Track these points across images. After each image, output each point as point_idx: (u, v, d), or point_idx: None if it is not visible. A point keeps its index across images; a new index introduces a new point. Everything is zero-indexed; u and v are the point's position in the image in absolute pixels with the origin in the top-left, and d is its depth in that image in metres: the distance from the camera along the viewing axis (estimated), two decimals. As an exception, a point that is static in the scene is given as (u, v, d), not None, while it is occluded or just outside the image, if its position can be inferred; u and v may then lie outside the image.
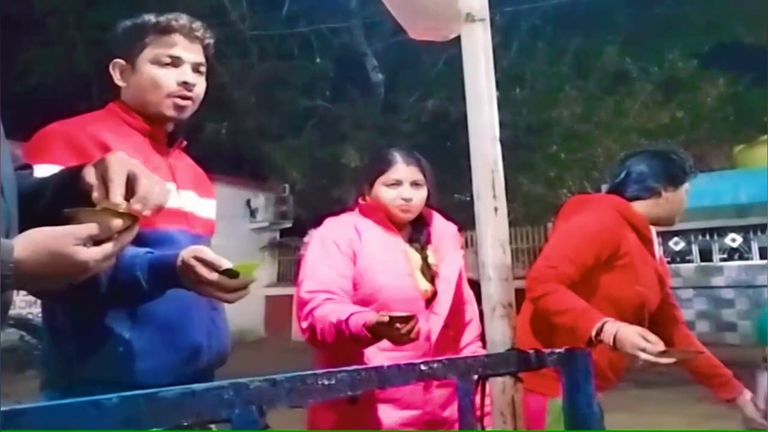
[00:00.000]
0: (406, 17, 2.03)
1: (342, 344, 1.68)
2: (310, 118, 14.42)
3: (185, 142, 1.69)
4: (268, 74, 14.15)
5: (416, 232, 2.03)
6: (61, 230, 0.96)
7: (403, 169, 1.98)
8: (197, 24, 1.63)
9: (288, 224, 16.58)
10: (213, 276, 1.25)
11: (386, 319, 1.55)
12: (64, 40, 13.33)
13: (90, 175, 1.09)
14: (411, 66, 14.27)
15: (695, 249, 12.22)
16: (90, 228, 0.97)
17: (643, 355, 1.73)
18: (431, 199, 2.05)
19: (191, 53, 1.61)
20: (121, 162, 1.10)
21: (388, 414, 1.82)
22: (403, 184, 1.97)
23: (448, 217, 2.13)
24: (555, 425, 2.02)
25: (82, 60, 12.85)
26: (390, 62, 14.64)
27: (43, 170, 1.34)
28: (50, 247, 0.94)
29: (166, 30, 1.58)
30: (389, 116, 14.14)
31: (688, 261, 12.12)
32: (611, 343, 1.77)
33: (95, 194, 1.07)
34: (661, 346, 1.74)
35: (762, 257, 11.61)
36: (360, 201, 2.05)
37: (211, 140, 13.01)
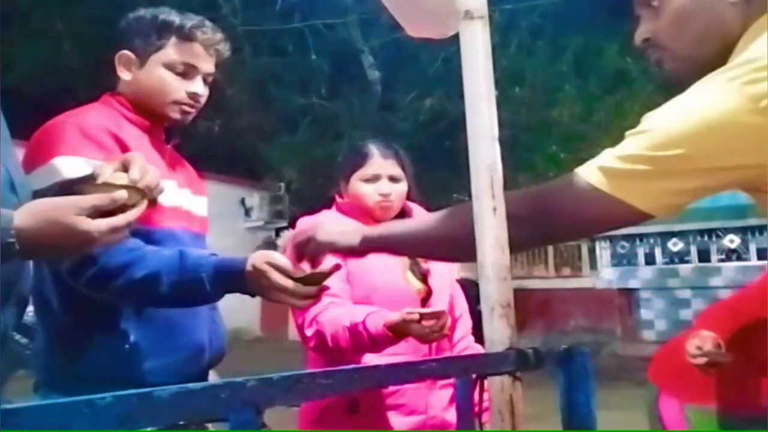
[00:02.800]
0: (404, 14, 2.00)
1: (358, 348, 1.60)
2: (306, 115, 14.35)
3: (178, 140, 1.66)
4: (261, 71, 14.07)
5: None
6: (62, 200, 0.96)
7: (380, 163, 1.86)
8: (219, 36, 1.56)
9: (284, 223, 16.56)
10: (289, 283, 1.24)
11: (416, 316, 1.48)
12: (50, 34, 13.09)
13: (105, 167, 1.08)
14: (408, 64, 14.24)
15: (693, 250, 12.22)
16: (92, 199, 0.96)
17: None
18: (412, 194, 1.94)
19: (206, 64, 1.55)
20: (142, 158, 1.11)
21: (392, 421, 1.72)
22: (380, 179, 1.85)
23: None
24: None
25: (69, 54, 12.64)
26: (387, 60, 14.59)
27: (63, 162, 1.32)
28: (50, 216, 0.93)
29: (189, 37, 1.52)
30: (386, 114, 14.11)
31: (687, 261, 12.12)
32: None
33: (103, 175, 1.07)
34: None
35: (760, 258, 11.60)
36: (337, 199, 1.94)
37: (204, 137, 12.94)
